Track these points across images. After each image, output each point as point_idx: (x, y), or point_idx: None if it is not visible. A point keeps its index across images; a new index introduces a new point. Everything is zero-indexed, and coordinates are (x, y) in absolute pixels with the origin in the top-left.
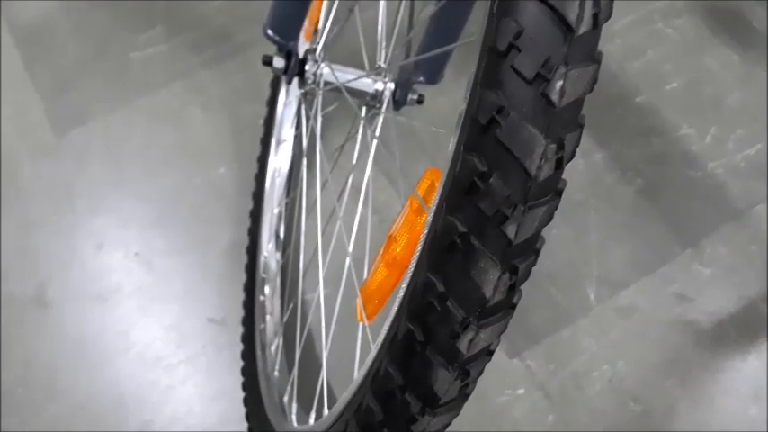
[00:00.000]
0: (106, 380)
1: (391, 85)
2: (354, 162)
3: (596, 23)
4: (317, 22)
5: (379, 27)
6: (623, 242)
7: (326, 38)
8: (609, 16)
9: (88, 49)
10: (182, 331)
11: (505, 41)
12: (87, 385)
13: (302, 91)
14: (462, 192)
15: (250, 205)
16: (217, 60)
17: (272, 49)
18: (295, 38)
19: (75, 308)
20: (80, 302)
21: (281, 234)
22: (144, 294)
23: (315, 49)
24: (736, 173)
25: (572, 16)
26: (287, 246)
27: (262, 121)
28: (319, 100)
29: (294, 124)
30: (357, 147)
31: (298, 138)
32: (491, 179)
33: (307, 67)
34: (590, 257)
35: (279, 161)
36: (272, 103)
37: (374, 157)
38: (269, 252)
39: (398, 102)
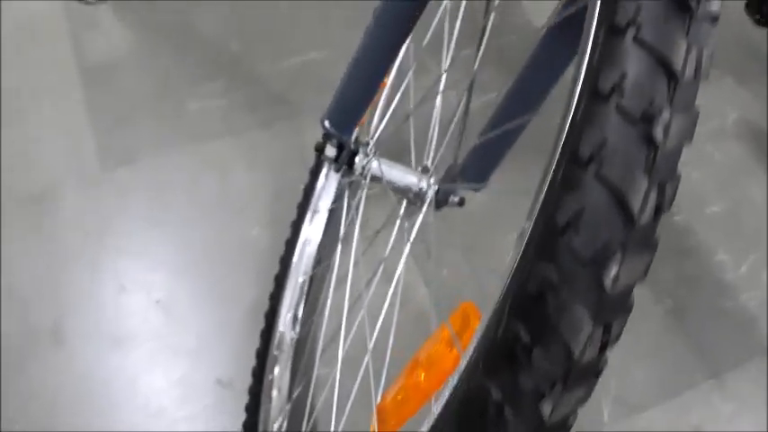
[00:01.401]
0: (105, 425)
1: (435, 187)
2: (387, 254)
3: (658, 215)
4: (373, 112)
5: (432, 125)
6: (646, 363)
7: (380, 132)
8: (670, 206)
9: (148, 92)
10: (188, 387)
11: (564, 218)
12: (85, 428)
13: (348, 180)
14: (501, 357)
15: (277, 269)
16: (270, 121)
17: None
18: (351, 132)
19: (87, 348)
20: (94, 343)
21: (300, 310)
22: (158, 343)
23: (367, 143)
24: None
25: (635, 205)
26: (304, 323)
27: (303, 186)
28: (363, 192)
29: (332, 198)
30: (392, 239)
31: (333, 213)
32: (533, 353)
33: (356, 159)
34: (610, 374)
35: (311, 231)
36: (315, 173)
37: (410, 250)
38: (285, 326)
39: (440, 202)
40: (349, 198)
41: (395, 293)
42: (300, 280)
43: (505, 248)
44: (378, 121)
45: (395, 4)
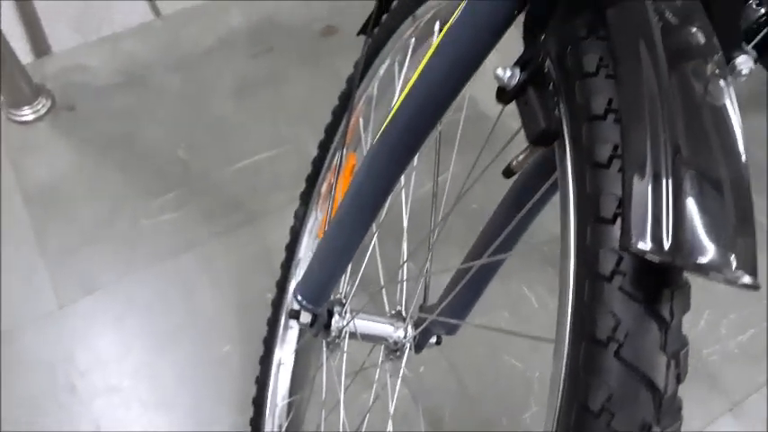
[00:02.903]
0: None
1: (412, 335)
2: (371, 403)
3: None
4: None
5: (402, 267)
6: None
7: (354, 289)
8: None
9: (98, 213)
10: None
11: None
12: None
13: (325, 341)
14: None
15: (254, 390)
16: (228, 230)
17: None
18: (324, 303)
19: None
20: None
21: None
22: None
23: (343, 303)
24: (730, 361)
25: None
26: None
27: (270, 296)
28: (343, 347)
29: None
30: (373, 393)
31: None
32: None
33: (333, 322)
34: None
35: (284, 352)
36: (282, 286)
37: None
38: None
39: (418, 346)
40: (327, 354)
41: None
42: (280, 405)
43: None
44: (352, 278)
45: (372, 175)
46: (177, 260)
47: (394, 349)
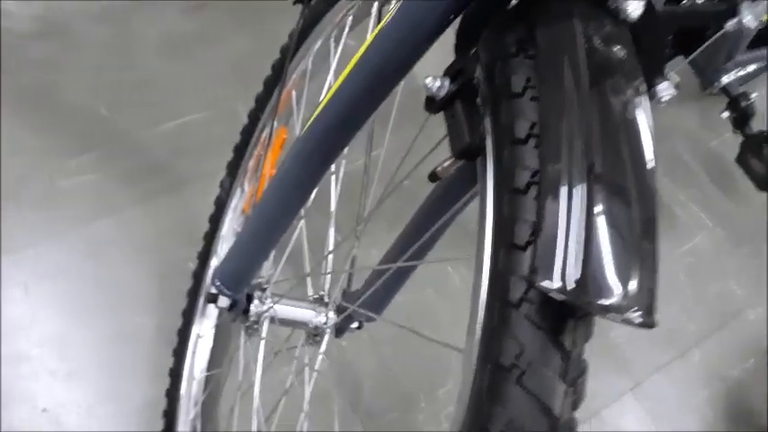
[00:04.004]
0: None
1: (333, 320)
2: (289, 385)
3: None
4: None
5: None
6: None
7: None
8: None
9: (11, 171)
10: None
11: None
12: None
13: (244, 325)
14: None
15: (170, 362)
16: (149, 195)
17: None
18: (243, 291)
19: None
20: None
21: (200, 411)
22: None
23: (263, 287)
24: (635, 343)
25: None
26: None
27: (191, 266)
28: (262, 332)
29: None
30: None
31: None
32: None
33: (252, 307)
34: None
35: (204, 327)
36: (204, 258)
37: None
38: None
39: (339, 330)
40: (245, 340)
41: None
42: (198, 377)
43: None
44: (275, 261)
45: (294, 178)
46: (94, 225)
47: (314, 334)
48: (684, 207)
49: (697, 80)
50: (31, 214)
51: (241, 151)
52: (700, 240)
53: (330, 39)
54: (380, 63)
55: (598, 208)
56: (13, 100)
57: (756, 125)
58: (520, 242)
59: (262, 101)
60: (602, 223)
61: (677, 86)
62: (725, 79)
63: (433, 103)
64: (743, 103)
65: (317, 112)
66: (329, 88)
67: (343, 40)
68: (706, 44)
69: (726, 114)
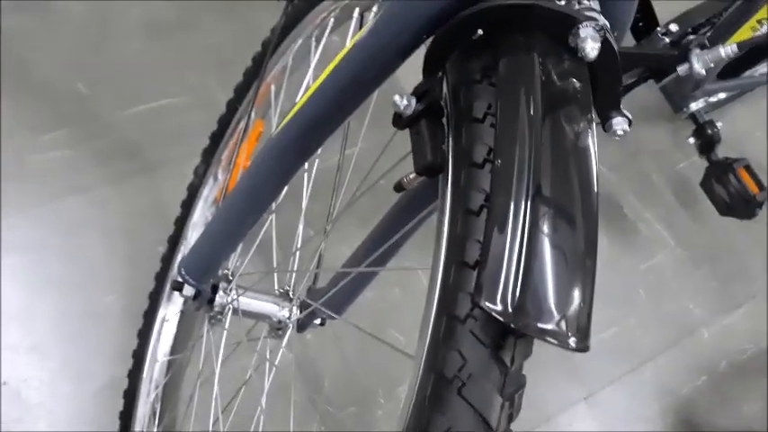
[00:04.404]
0: None
1: (296, 315)
2: (248, 376)
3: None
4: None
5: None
6: None
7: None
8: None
9: None
10: None
11: None
12: None
13: (208, 315)
14: None
15: (135, 343)
16: (122, 174)
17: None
18: (209, 281)
19: None
20: None
21: (161, 395)
22: (6, 430)
23: (228, 278)
24: (591, 354)
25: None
26: (163, 416)
27: (161, 250)
28: (225, 323)
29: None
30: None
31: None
32: None
33: (217, 297)
34: None
35: (170, 311)
36: (174, 243)
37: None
38: (146, 410)
39: (302, 326)
40: (209, 329)
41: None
42: (160, 360)
43: None
44: (242, 253)
45: (275, 153)
46: (64, 202)
47: (277, 327)
48: (649, 225)
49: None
50: (1, 186)
51: (217, 139)
52: (661, 258)
53: (311, 38)
54: (356, 73)
55: (542, 230)
56: None
57: (721, 152)
58: (469, 261)
59: (240, 92)
60: (544, 246)
61: (630, 123)
62: (693, 106)
63: (400, 120)
64: (709, 131)
65: (292, 112)
66: (307, 88)
67: (323, 40)
68: (670, 77)
69: (692, 140)
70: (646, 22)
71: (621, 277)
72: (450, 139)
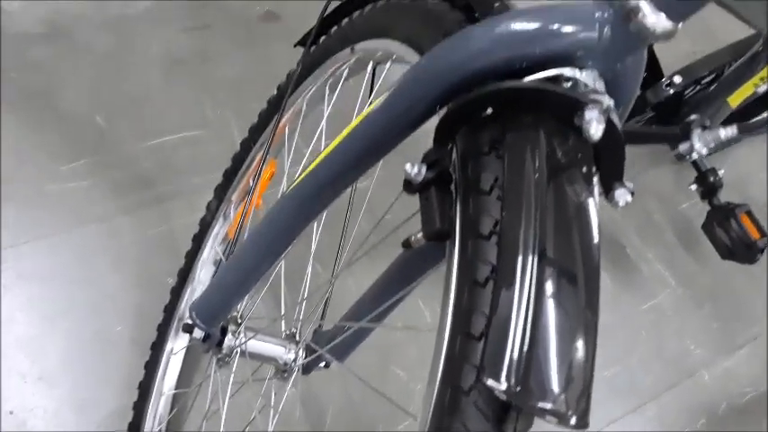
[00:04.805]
0: None
1: (302, 360)
2: (252, 418)
3: None
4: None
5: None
6: None
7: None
8: None
9: (3, 173)
10: None
11: None
12: None
13: (216, 357)
14: None
15: (141, 374)
16: (136, 206)
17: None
18: (218, 324)
19: None
20: None
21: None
22: None
23: (237, 321)
24: (595, 391)
25: None
26: None
27: (171, 282)
28: (233, 366)
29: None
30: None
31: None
32: None
33: (225, 340)
34: None
35: (177, 344)
36: (184, 276)
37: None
38: None
39: (307, 368)
40: (216, 369)
41: None
42: (166, 394)
43: None
44: (251, 296)
45: (289, 209)
46: (79, 232)
47: (283, 370)
48: (651, 265)
49: None
50: (17, 214)
51: (230, 177)
52: (663, 298)
53: (326, 86)
54: (369, 140)
55: (546, 300)
56: (9, 100)
57: (725, 193)
58: (475, 333)
59: (255, 131)
60: (549, 319)
61: (632, 194)
62: (695, 154)
63: (410, 186)
64: (711, 178)
65: (307, 171)
66: (320, 139)
67: (338, 90)
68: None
69: (694, 187)
70: (651, 72)
71: (623, 317)
72: (459, 207)
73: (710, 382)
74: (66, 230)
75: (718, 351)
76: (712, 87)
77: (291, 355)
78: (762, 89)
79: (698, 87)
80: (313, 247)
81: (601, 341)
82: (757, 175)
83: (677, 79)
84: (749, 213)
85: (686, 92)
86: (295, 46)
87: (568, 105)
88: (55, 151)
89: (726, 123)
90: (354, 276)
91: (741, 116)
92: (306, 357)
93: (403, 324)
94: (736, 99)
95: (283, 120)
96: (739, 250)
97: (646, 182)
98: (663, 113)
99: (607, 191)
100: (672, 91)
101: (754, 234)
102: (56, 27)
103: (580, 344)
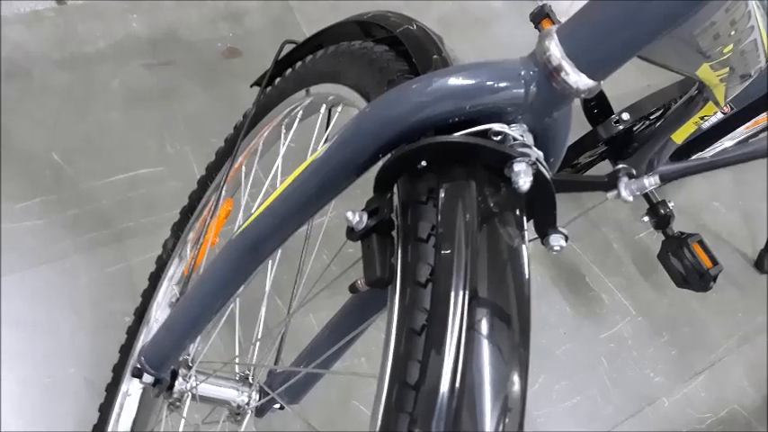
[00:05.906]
0: None
1: (255, 401)
2: None
3: None
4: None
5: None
6: None
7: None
8: None
9: None
10: None
11: None
12: None
13: (168, 401)
14: None
15: (96, 417)
16: (93, 245)
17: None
18: (168, 369)
19: None
20: None
21: None
22: None
23: (189, 365)
24: (555, 423)
25: None
26: None
27: (128, 321)
28: (184, 410)
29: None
30: None
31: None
32: None
33: (176, 384)
34: None
35: (133, 385)
36: (140, 315)
37: None
38: None
39: (261, 410)
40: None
41: None
42: None
43: None
44: (201, 340)
45: (238, 251)
46: (34, 271)
47: (236, 412)
48: (611, 294)
49: None
50: None
51: (187, 215)
52: (622, 327)
53: (281, 126)
54: (312, 187)
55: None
56: None
57: (680, 222)
58: (410, 381)
59: (212, 170)
60: (481, 364)
61: (567, 238)
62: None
63: (353, 233)
64: (662, 211)
65: (252, 218)
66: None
67: (293, 129)
68: (625, 161)
69: (646, 218)
70: (601, 109)
71: (584, 346)
72: (399, 254)
73: (670, 409)
74: (22, 269)
75: (677, 378)
76: (658, 124)
77: (245, 398)
78: (706, 125)
79: (646, 123)
80: (267, 286)
81: (561, 371)
82: (711, 204)
83: (625, 116)
84: (701, 243)
85: (635, 128)
86: (251, 86)
87: (498, 158)
88: (9, 190)
89: (674, 158)
90: (315, 311)
91: (690, 149)
92: (259, 399)
93: (366, 359)
94: (680, 136)
95: (239, 159)
96: (693, 279)
97: (604, 212)
98: (614, 148)
99: (542, 236)
100: (621, 127)
101: (707, 263)
102: (16, 65)
103: (515, 380)
